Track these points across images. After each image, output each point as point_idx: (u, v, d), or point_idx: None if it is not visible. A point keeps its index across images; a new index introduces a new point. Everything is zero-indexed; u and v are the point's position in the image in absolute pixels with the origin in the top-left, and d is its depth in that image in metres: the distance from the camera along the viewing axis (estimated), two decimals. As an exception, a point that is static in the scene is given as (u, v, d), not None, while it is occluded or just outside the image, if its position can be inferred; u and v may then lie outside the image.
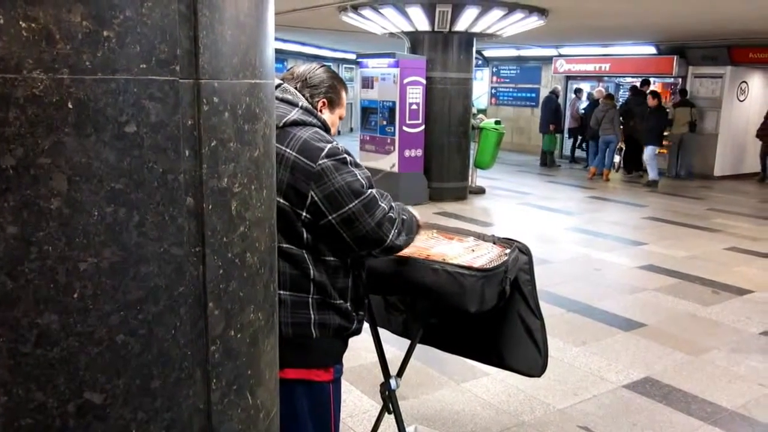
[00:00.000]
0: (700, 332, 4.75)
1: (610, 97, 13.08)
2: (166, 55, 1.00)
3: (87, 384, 1.00)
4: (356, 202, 1.81)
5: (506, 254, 2.30)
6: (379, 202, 1.87)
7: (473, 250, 2.35)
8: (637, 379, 3.93)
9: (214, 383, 1.17)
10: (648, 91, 12.87)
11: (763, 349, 4.47)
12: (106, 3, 0.93)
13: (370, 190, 1.86)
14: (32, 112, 0.89)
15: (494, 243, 2.46)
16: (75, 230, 0.96)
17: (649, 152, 12.06)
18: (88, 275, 0.97)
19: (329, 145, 1.84)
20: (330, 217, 1.81)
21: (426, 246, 2.40)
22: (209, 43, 1.06)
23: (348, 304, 1.96)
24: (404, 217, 1.97)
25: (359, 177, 1.85)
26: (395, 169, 9.34)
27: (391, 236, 1.88)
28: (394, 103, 9.37)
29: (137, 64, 0.97)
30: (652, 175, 12.00)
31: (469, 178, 10.63)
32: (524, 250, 2.40)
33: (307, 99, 2.02)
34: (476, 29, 9.49)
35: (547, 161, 14.64)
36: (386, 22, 9.64)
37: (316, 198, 1.80)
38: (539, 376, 2.50)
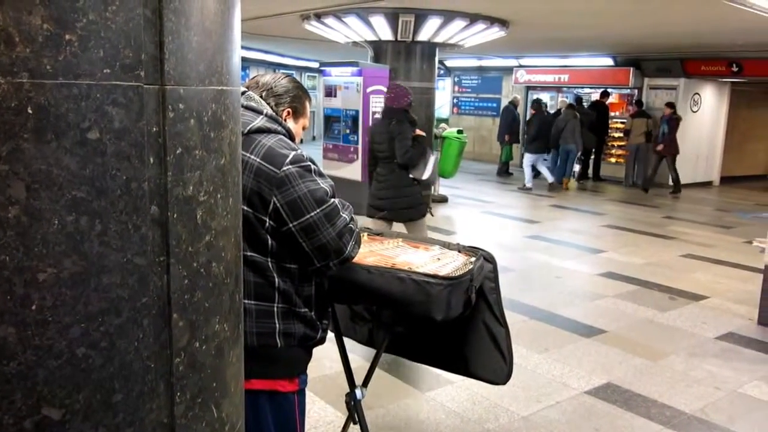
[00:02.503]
0: (658, 338, 4.85)
1: (571, 107, 13.30)
2: (131, 60, 0.98)
3: (45, 399, 0.96)
4: (318, 210, 1.80)
5: (471, 263, 2.31)
6: (341, 212, 1.87)
7: (439, 259, 2.36)
8: (599, 384, 3.98)
9: (179, 396, 1.14)
10: (533, 100, 13.82)
11: (718, 353, 4.58)
12: (68, 6, 0.90)
13: (332, 200, 1.85)
14: (-11, 118, 0.86)
15: (459, 251, 2.47)
16: (34, 239, 0.92)
17: (526, 159, 12.76)
18: (48, 286, 0.94)
19: (293, 153, 1.84)
20: (290, 225, 1.80)
21: (391, 255, 2.40)
22: (175, 49, 1.04)
23: (312, 312, 1.94)
24: (354, 227, 1.95)
25: (322, 185, 1.84)
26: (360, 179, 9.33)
27: (349, 247, 1.89)
28: (357, 111, 9.38)
29: (101, 69, 0.94)
30: (526, 181, 12.60)
31: (432, 187, 10.67)
32: (489, 259, 2.42)
33: (271, 108, 2.01)
34: (439, 39, 9.56)
35: (500, 170, 14.83)
36: (349, 31, 9.65)
37: (278, 204, 1.79)
38: (504, 383, 2.51)
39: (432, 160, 5.34)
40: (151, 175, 1.03)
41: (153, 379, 1.08)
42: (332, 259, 1.86)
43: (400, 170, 5.21)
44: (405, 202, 5.27)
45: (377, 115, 9.39)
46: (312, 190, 1.81)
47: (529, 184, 12.49)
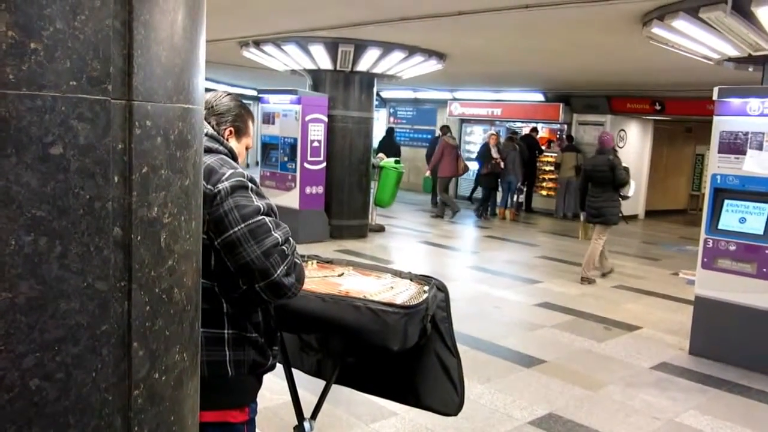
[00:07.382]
0: (596, 368, 4.94)
1: (511, 139, 13.59)
2: (98, 72, 0.93)
3: (-7, 437, 0.88)
4: (242, 225, 1.71)
5: (425, 291, 2.29)
6: (272, 231, 1.75)
7: (392, 287, 2.33)
8: (541, 415, 4.01)
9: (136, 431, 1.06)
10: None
11: (654, 383, 4.69)
12: (35, 12, 0.85)
13: (262, 217, 1.75)
14: (-55, 128, 0.79)
15: (411, 280, 2.45)
16: (-12, 262, 0.85)
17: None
18: (1, 312, 0.87)
19: (232, 170, 1.79)
20: (216, 242, 1.72)
21: (343, 282, 2.36)
22: (144, 63, 1.00)
23: (262, 338, 1.88)
24: (297, 261, 1.82)
25: (256, 203, 1.76)
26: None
27: (279, 271, 1.72)
28: (295, 139, 9.33)
29: (66, 81, 0.89)
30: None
31: (369, 216, 10.69)
32: (441, 287, 2.41)
33: (213, 127, 1.97)
34: (377, 70, 9.66)
35: (435, 201, 15.00)
36: (288, 59, 9.64)
37: (208, 220, 1.72)
38: (455, 414, 2.50)
39: (633, 183, 7.88)
40: (115, 195, 0.98)
41: (110, 413, 1.01)
42: (258, 280, 1.72)
43: (612, 191, 7.47)
44: (611, 212, 7.52)
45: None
46: (240, 206, 1.72)
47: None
